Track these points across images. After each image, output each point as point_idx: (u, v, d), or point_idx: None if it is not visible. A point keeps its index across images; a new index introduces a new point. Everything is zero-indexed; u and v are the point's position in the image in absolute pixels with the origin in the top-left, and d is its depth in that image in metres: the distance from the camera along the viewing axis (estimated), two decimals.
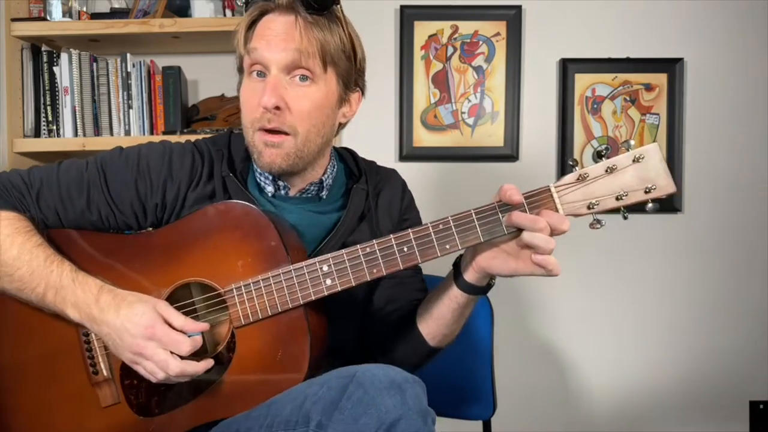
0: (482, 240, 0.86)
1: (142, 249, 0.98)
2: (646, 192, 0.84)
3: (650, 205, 0.85)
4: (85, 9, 1.92)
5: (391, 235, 0.88)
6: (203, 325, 0.91)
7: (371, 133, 2.02)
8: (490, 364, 1.36)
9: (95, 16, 1.92)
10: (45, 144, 1.88)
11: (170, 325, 0.89)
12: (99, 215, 1.01)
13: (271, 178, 1.03)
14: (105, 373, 0.95)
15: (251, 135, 0.98)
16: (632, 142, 0.85)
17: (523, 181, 2.02)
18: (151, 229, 1.05)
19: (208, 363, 0.90)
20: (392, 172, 1.17)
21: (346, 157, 1.14)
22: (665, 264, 2.04)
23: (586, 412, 2.08)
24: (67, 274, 0.93)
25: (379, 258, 0.88)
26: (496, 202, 0.86)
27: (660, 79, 2.01)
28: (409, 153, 2.01)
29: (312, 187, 1.05)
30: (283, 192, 1.05)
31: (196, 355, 0.91)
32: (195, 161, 1.03)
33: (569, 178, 0.86)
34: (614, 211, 0.86)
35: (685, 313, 2.04)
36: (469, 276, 0.93)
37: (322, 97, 0.98)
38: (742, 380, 2.05)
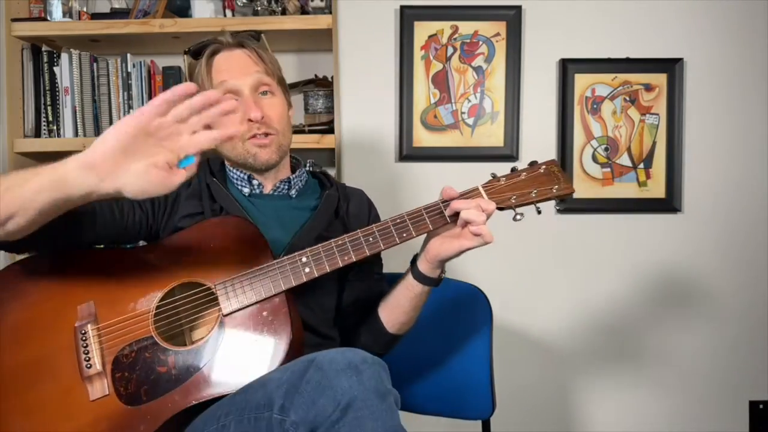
0: (431, 228, 1.07)
1: (138, 263, 1.07)
2: (550, 191, 1.10)
3: (557, 203, 1.02)
4: (85, 9, 1.93)
5: (359, 231, 1.06)
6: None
7: (371, 133, 2.02)
8: (489, 363, 1.37)
9: (95, 16, 1.92)
10: (45, 144, 1.89)
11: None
12: (134, 220, 1.14)
13: (246, 179, 1.22)
14: (98, 366, 0.99)
15: (241, 146, 1.18)
16: (537, 161, 1.12)
17: None
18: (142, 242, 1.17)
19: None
20: (359, 191, 1.35)
21: (318, 176, 1.34)
22: (665, 264, 2.04)
23: (586, 412, 2.08)
24: (45, 170, 0.86)
25: (349, 247, 1.06)
26: (439, 200, 1.08)
27: (660, 79, 2.01)
28: (409, 153, 2.01)
29: (282, 185, 1.24)
30: (257, 191, 1.23)
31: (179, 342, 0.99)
32: None
33: (493, 181, 1.12)
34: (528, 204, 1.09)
35: (684, 312, 2.04)
36: (423, 267, 1.11)
37: (282, 104, 1.23)
38: (742, 380, 2.05)
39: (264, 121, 1.17)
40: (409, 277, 1.14)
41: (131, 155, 0.83)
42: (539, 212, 1.09)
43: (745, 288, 2.03)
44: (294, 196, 1.25)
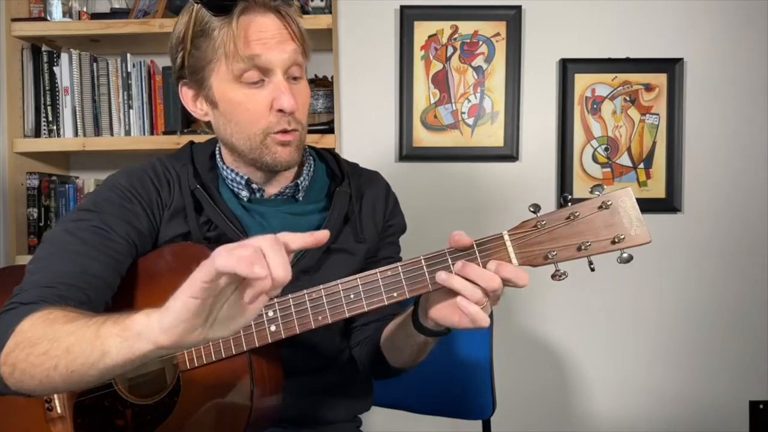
0: (431, 289, 0.82)
1: None
2: (613, 242, 0.78)
3: (623, 255, 0.78)
4: (85, 9, 1.92)
5: (339, 281, 0.84)
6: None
7: (371, 133, 2.02)
8: (490, 363, 1.36)
9: (95, 16, 1.92)
10: (45, 144, 1.89)
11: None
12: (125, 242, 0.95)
13: (244, 182, 1.01)
14: (59, 410, 0.94)
15: (261, 140, 0.95)
16: (605, 187, 0.78)
17: (522, 181, 2.04)
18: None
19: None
20: (376, 174, 1.16)
21: (327, 158, 1.13)
22: (665, 264, 2.04)
23: (586, 412, 2.08)
24: (111, 325, 0.72)
25: (325, 305, 0.85)
26: (447, 249, 0.82)
27: (660, 79, 2.01)
28: (409, 153, 2.01)
29: (287, 190, 1.03)
30: (258, 195, 1.02)
31: (156, 395, 0.91)
32: (160, 179, 1.01)
33: (527, 224, 0.80)
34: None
35: (684, 312, 2.04)
36: (425, 322, 0.88)
37: (309, 91, 1.01)
38: (742, 380, 2.05)
39: (294, 114, 0.96)
40: (411, 327, 0.91)
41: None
42: (592, 269, 0.82)
43: (745, 288, 2.03)
44: (301, 198, 1.05)
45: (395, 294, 0.83)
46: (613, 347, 2.06)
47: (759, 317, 2.04)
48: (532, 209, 0.80)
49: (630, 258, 0.78)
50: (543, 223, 0.79)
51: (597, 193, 0.78)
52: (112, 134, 1.90)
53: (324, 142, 1.84)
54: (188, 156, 1.05)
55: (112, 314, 0.73)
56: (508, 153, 2.01)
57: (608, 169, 2.02)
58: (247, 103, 0.94)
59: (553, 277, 0.80)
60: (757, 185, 2.02)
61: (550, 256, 0.79)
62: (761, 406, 2.04)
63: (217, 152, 1.06)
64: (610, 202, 0.77)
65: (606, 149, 2.02)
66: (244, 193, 1.02)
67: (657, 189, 2.01)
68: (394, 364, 1.01)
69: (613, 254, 0.80)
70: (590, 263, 0.80)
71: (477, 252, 0.80)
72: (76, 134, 1.88)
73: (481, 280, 0.78)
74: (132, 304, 0.93)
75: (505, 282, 0.78)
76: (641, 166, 2.02)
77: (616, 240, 0.78)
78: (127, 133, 1.89)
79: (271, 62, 0.92)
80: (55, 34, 1.88)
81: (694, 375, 2.05)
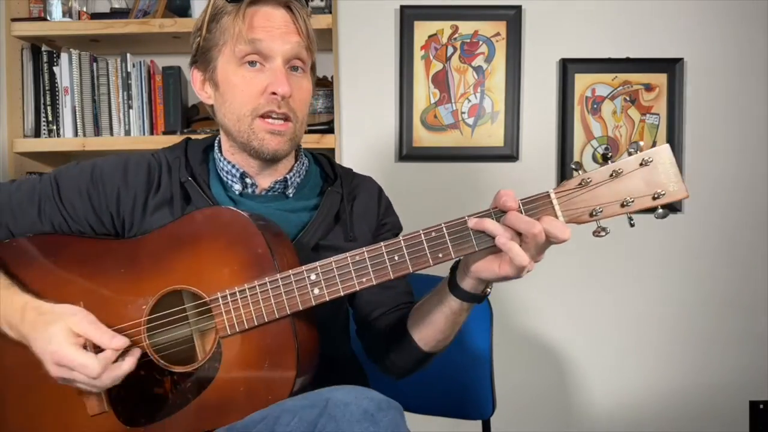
0: (477, 249, 0.83)
1: (129, 255, 0.96)
2: (654, 198, 0.79)
3: (659, 210, 0.80)
4: (85, 9, 1.93)
5: (382, 243, 0.85)
6: (118, 342, 0.88)
7: (371, 133, 2.02)
8: (490, 363, 1.36)
9: (95, 16, 1.92)
10: (45, 144, 1.89)
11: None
12: (51, 226, 1.00)
13: (238, 175, 1.03)
14: None
15: (249, 123, 0.98)
16: (641, 144, 0.80)
17: (523, 181, 2.04)
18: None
19: (132, 360, 0.89)
20: (368, 179, 1.17)
21: (322, 162, 1.15)
22: (665, 264, 2.04)
23: (586, 412, 2.08)
24: None
25: (369, 266, 0.85)
26: (492, 208, 0.83)
27: (660, 79, 2.01)
28: (409, 153, 2.01)
29: (278, 186, 1.05)
30: (250, 190, 1.04)
31: (182, 362, 0.91)
32: (151, 169, 1.04)
33: (571, 183, 0.81)
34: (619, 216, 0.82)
35: (684, 312, 2.04)
36: (464, 281, 0.89)
37: (310, 87, 1.04)
38: (742, 380, 2.05)
39: (288, 101, 0.98)
40: (446, 292, 0.92)
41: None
42: (632, 225, 0.82)
43: (745, 288, 2.03)
44: (291, 195, 1.07)
45: (440, 255, 0.83)
46: (613, 347, 2.06)
47: (759, 317, 2.04)
48: (574, 167, 0.82)
49: (666, 214, 0.80)
50: (588, 180, 0.80)
51: (632, 150, 0.80)
52: (111, 134, 1.90)
53: (324, 142, 1.84)
54: (182, 149, 1.08)
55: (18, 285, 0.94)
56: (508, 153, 2.01)
57: None
58: (244, 84, 0.98)
59: (594, 233, 0.81)
60: (758, 185, 2.02)
61: (595, 213, 0.80)
62: (761, 406, 2.04)
63: (216, 143, 1.09)
64: (650, 159, 0.79)
65: (606, 149, 2.02)
66: (237, 187, 1.04)
67: None
68: (422, 345, 0.99)
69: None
70: (630, 219, 0.82)
71: (523, 212, 0.81)
72: (75, 134, 1.88)
73: (520, 223, 0.79)
74: (168, 268, 0.93)
75: (547, 234, 0.79)
76: None
77: (656, 195, 0.79)
78: (127, 133, 1.89)
79: (273, 49, 0.97)
80: (55, 34, 1.88)
81: (694, 375, 2.05)
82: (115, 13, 1.91)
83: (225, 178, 1.05)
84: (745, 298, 2.03)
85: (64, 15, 1.88)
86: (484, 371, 1.36)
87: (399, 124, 2.02)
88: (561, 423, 2.08)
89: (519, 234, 0.80)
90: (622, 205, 0.80)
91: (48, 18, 1.87)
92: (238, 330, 0.89)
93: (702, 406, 2.06)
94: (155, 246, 0.95)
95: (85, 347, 0.88)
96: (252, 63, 0.98)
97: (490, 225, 0.80)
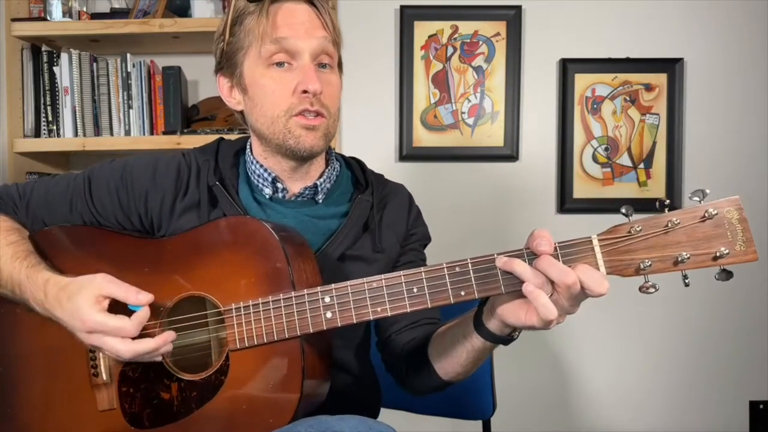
0: (503, 291, 0.76)
1: (154, 255, 0.97)
2: (714, 258, 0.70)
3: (719, 271, 0.71)
4: (85, 9, 1.93)
5: (401, 273, 0.81)
6: (145, 297, 0.89)
7: (371, 133, 2.02)
8: (490, 363, 1.36)
9: (95, 16, 1.92)
10: (45, 144, 1.88)
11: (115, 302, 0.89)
12: (83, 222, 1.02)
13: (270, 179, 1.01)
14: (104, 377, 0.94)
15: (284, 123, 0.96)
16: (707, 192, 0.71)
17: (523, 181, 2.04)
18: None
19: (167, 336, 0.89)
20: (400, 187, 1.14)
21: (353, 166, 1.12)
22: None
23: (586, 411, 2.08)
24: (24, 271, 0.92)
25: (385, 296, 0.81)
26: (525, 248, 0.75)
27: (660, 79, 2.01)
28: (409, 153, 2.01)
29: (307, 191, 1.03)
30: (280, 195, 1.02)
31: (196, 369, 0.91)
32: (181, 171, 1.03)
33: (620, 230, 0.72)
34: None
35: (684, 312, 2.04)
36: (489, 321, 0.84)
37: (340, 84, 1.02)
38: (742, 380, 2.05)
39: (319, 98, 0.96)
40: (470, 328, 0.87)
41: None
42: (687, 284, 0.72)
43: (745, 288, 2.03)
44: (320, 201, 1.04)
45: (462, 293, 0.77)
46: (612, 347, 2.06)
47: (759, 317, 2.04)
48: (624, 212, 0.72)
49: (730, 275, 0.71)
50: (638, 229, 0.71)
51: (697, 199, 0.71)
52: (111, 134, 1.90)
53: None
54: (213, 151, 1.07)
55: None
56: (508, 153, 2.01)
57: (608, 169, 2.02)
58: (273, 85, 0.96)
59: (641, 289, 0.72)
60: (758, 185, 2.02)
61: (642, 267, 0.71)
62: (761, 406, 2.04)
63: (248, 147, 1.06)
64: (715, 212, 0.71)
65: (606, 149, 2.02)
66: (267, 191, 1.02)
67: (657, 189, 2.01)
68: (441, 374, 0.96)
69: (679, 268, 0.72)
70: (685, 278, 0.72)
71: (560, 257, 0.74)
72: (76, 134, 1.88)
73: (553, 270, 0.71)
74: (189, 273, 0.93)
75: (581, 284, 0.72)
76: (641, 166, 2.02)
77: (719, 255, 0.70)
78: (127, 133, 1.89)
79: (299, 46, 0.95)
80: (55, 34, 1.87)
81: (694, 375, 2.05)
82: (115, 13, 1.91)
83: (256, 182, 1.03)
84: (745, 298, 2.03)
85: (64, 15, 1.88)
86: (485, 371, 1.36)
87: (399, 124, 2.02)
88: (561, 423, 2.08)
89: (552, 282, 0.73)
90: (675, 263, 0.70)
91: (48, 18, 1.87)
92: (247, 345, 0.88)
93: (702, 406, 2.06)
94: (179, 249, 0.96)
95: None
96: (280, 64, 0.96)
97: (520, 267, 0.74)
